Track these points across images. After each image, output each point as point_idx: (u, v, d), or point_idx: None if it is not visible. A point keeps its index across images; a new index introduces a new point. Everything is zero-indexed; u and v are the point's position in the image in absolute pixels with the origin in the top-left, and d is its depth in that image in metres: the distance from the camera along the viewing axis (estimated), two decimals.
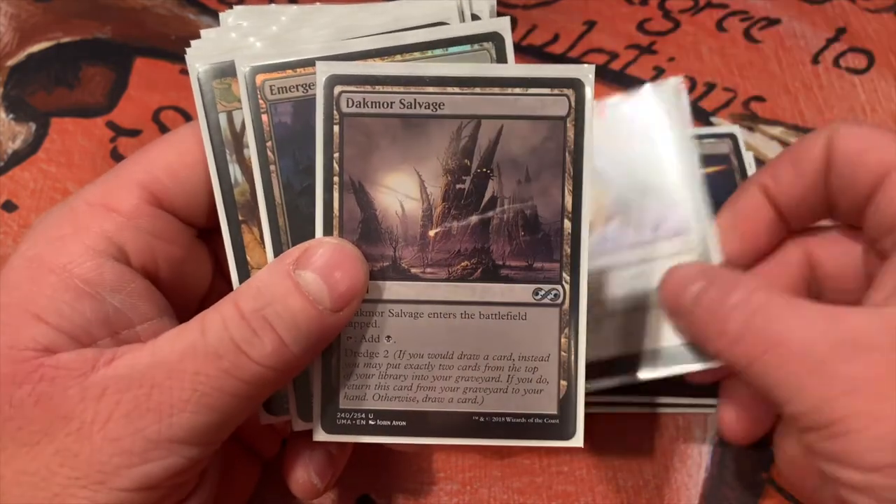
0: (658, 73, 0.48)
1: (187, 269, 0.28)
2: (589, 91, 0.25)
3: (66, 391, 0.23)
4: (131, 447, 0.23)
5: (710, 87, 0.47)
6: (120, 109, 0.46)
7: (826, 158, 0.29)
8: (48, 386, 0.23)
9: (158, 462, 0.23)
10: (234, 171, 0.27)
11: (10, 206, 0.42)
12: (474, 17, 0.27)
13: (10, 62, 0.48)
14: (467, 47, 0.26)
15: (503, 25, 0.26)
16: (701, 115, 0.46)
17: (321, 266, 0.24)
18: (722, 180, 0.42)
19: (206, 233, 0.29)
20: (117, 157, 0.44)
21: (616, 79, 0.48)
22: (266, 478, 0.33)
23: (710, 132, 0.44)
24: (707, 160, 0.43)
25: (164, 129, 0.45)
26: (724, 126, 0.45)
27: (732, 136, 0.44)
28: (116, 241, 0.26)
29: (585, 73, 0.25)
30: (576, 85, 0.25)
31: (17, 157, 0.44)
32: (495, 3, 0.27)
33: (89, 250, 0.25)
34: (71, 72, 0.48)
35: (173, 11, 0.51)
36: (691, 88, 0.47)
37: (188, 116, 0.46)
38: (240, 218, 0.27)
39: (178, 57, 0.48)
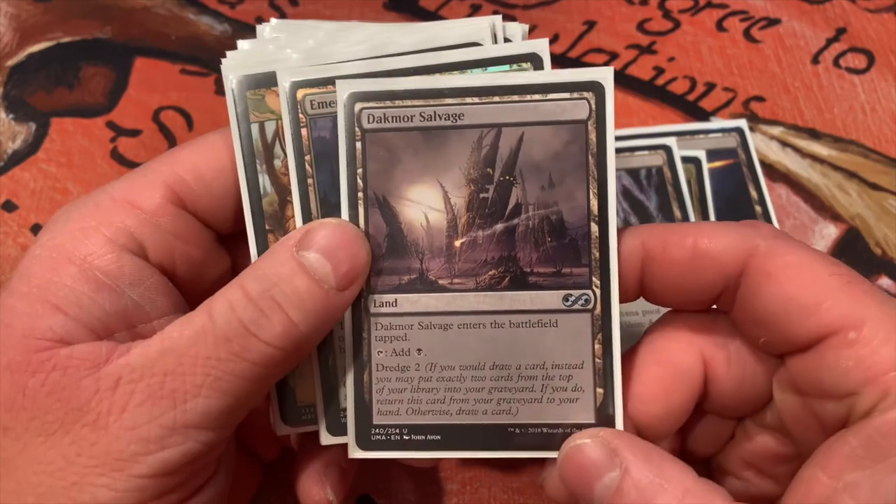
0: (658, 73, 0.48)
1: (204, 271, 0.28)
2: (609, 93, 0.25)
3: (80, 382, 0.23)
4: (148, 435, 0.23)
5: (710, 87, 0.47)
6: (120, 109, 0.46)
7: (739, 273, 0.24)
8: (60, 376, 0.23)
9: (175, 448, 0.23)
10: (264, 181, 0.27)
11: (10, 206, 0.42)
12: (506, 41, 0.27)
13: (10, 62, 0.48)
14: (506, 67, 0.26)
15: (542, 47, 0.26)
16: (701, 115, 0.46)
17: (324, 246, 0.24)
18: (729, 174, 0.42)
19: (227, 238, 0.29)
20: (117, 157, 0.44)
21: (616, 79, 0.48)
22: (266, 480, 0.33)
23: (717, 126, 0.44)
24: (714, 155, 0.43)
25: (163, 129, 0.45)
26: (730, 120, 0.45)
27: (739, 131, 0.44)
28: (137, 236, 0.26)
29: (604, 75, 0.25)
30: (595, 88, 0.25)
31: (17, 157, 0.44)
32: (528, 28, 0.27)
33: (110, 243, 0.25)
34: (71, 72, 0.47)
35: (173, 11, 0.51)
36: (691, 88, 0.47)
37: (188, 116, 0.46)
38: (266, 227, 0.27)
39: (178, 57, 0.48)
